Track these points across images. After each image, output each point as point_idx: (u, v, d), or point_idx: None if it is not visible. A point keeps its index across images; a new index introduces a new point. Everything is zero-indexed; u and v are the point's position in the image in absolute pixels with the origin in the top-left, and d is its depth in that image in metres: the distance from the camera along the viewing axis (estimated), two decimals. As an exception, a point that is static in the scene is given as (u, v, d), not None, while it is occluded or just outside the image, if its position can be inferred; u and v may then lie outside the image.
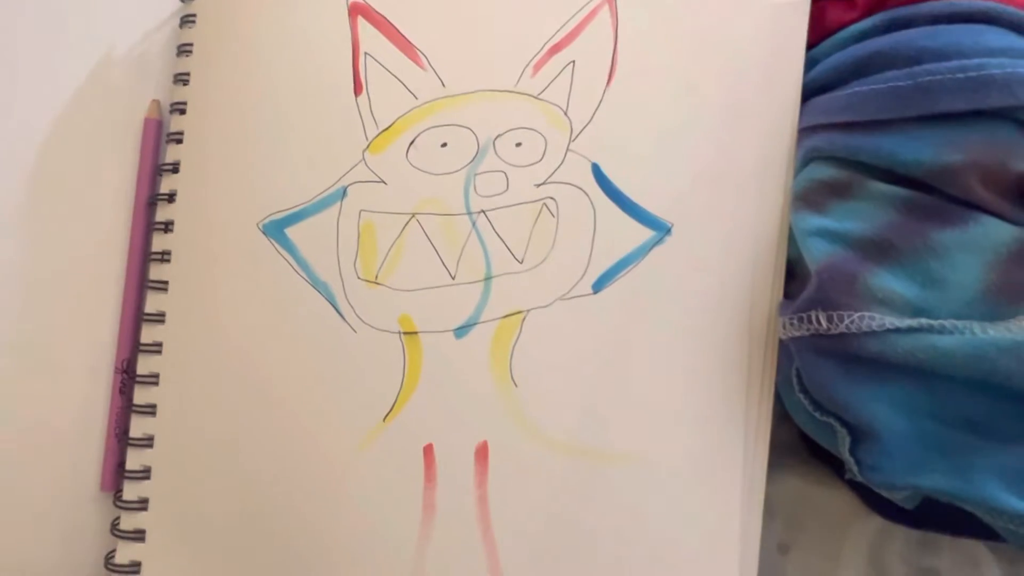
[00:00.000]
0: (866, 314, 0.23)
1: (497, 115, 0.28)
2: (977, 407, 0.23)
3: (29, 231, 0.31)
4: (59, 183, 0.31)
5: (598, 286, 0.28)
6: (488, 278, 0.28)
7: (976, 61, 0.22)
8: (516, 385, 0.27)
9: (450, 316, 0.28)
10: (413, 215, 0.28)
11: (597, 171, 0.28)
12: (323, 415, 0.27)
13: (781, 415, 0.28)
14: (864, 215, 0.24)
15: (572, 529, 0.27)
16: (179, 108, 0.30)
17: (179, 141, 0.30)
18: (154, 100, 0.31)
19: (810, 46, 0.28)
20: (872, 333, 0.23)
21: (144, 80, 0.32)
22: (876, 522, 0.28)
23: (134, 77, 0.32)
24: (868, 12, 0.26)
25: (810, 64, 0.28)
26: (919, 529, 0.27)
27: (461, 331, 0.28)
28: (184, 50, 0.30)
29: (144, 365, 0.29)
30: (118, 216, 0.31)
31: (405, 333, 0.28)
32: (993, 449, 0.22)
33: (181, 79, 0.30)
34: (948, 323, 0.22)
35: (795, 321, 0.24)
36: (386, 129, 0.28)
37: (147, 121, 0.31)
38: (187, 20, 0.30)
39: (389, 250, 0.28)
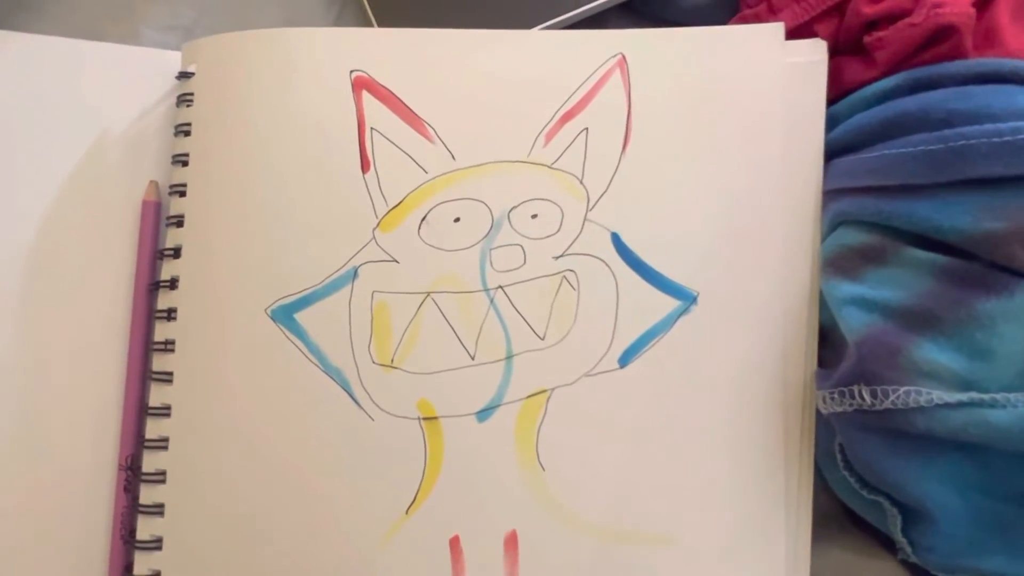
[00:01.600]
0: (912, 389, 0.22)
1: (511, 187, 0.27)
2: (1033, 482, 0.22)
3: (25, 320, 0.29)
4: (55, 269, 0.30)
5: (624, 360, 0.27)
6: (509, 357, 0.27)
7: (1011, 125, 0.21)
8: (544, 468, 0.26)
9: (471, 399, 0.27)
10: (428, 294, 0.27)
11: (617, 240, 0.27)
12: (343, 509, 0.26)
13: (821, 482, 0.27)
14: (901, 283, 0.23)
15: (610, 619, 0.26)
16: (179, 190, 0.29)
17: (180, 224, 0.29)
18: (152, 181, 0.30)
19: (829, 103, 0.27)
20: (920, 409, 0.22)
21: (141, 160, 0.30)
22: (927, 596, 0.27)
23: (130, 157, 0.30)
24: (888, 71, 0.25)
25: (830, 123, 0.27)
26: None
27: (483, 414, 0.26)
28: (182, 130, 0.29)
29: (150, 462, 0.28)
30: (118, 303, 0.30)
31: (425, 419, 0.26)
32: (1055, 528, 0.21)
33: (180, 160, 0.29)
34: (1000, 396, 0.21)
35: (836, 396, 0.23)
36: (396, 206, 0.27)
37: (145, 203, 0.30)
38: (184, 99, 0.29)
39: (404, 332, 0.27)
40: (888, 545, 0.26)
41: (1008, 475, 0.22)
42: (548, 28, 0.31)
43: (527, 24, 0.32)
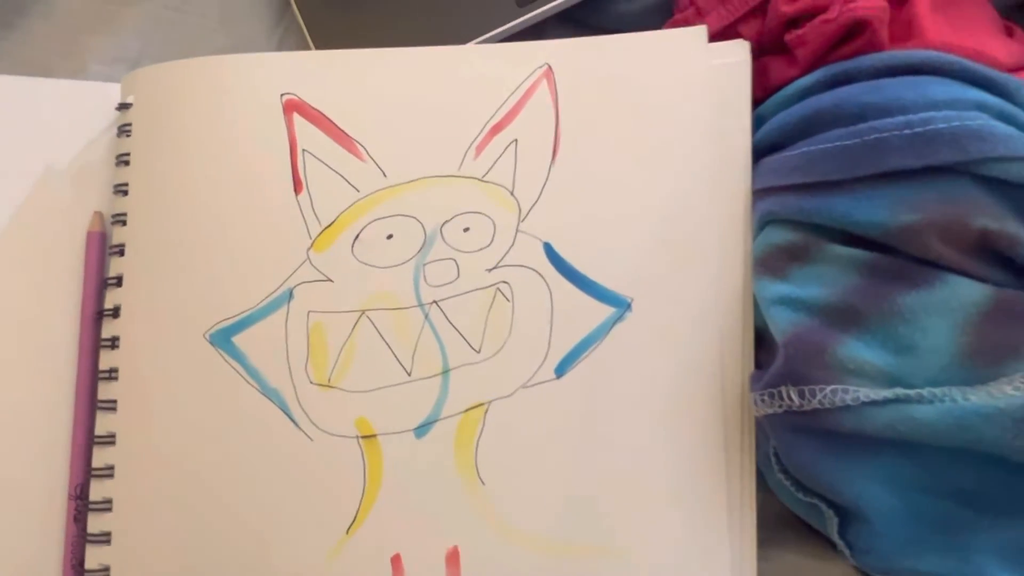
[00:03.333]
0: (839, 387, 0.22)
1: (442, 201, 0.28)
2: (968, 477, 0.21)
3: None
4: (4, 302, 0.30)
5: (561, 370, 0.26)
6: (445, 371, 0.27)
7: (921, 116, 0.21)
8: (483, 483, 0.26)
9: (409, 415, 0.26)
10: (363, 312, 0.27)
11: (549, 250, 0.27)
12: (284, 531, 0.26)
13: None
14: (826, 280, 0.23)
15: (555, 634, 0.25)
16: (120, 220, 0.29)
17: (121, 253, 0.29)
18: (96, 212, 0.31)
19: (757, 103, 0.27)
20: (847, 407, 0.21)
21: (87, 192, 0.31)
22: (880, 599, 0.26)
23: (76, 189, 0.31)
24: (810, 68, 0.25)
25: (758, 122, 0.27)
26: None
27: (421, 430, 0.26)
28: (122, 160, 0.30)
29: (97, 491, 0.28)
30: (67, 333, 0.30)
31: (363, 437, 0.26)
32: (990, 524, 0.21)
33: (121, 190, 0.29)
34: (926, 392, 0.21)
35: (766, 397, 0.23)
36: (329, 226, 0.28)
37: (90, 234, 0.30)
38: (123, 130, 0.30)
39: (341, 350, 0.27)
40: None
41: (942, 471, 0.21)
42: (485, 41, 0.32)
43: (465, 38, 0.32)
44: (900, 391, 0.21)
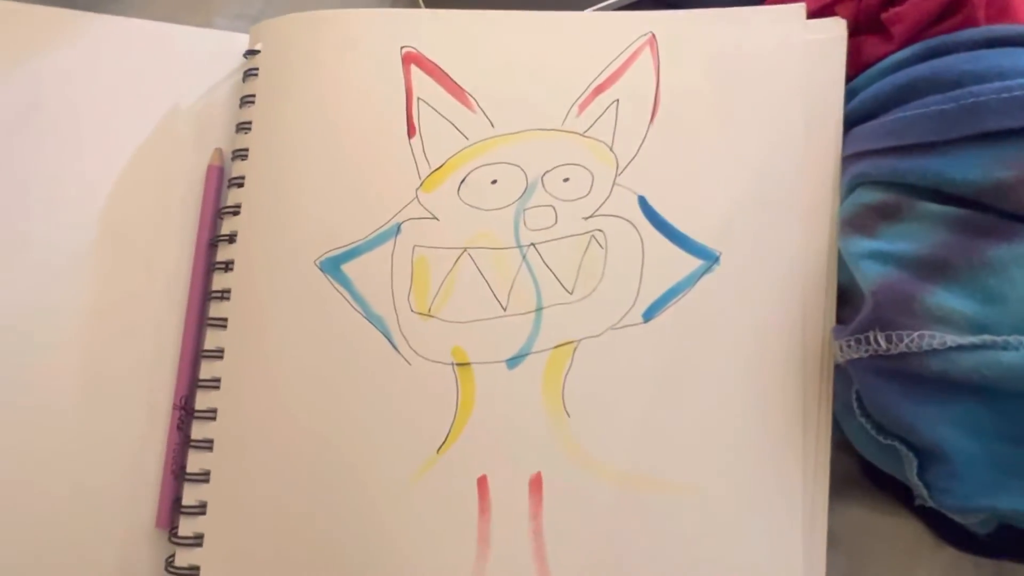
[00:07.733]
0: (926, 333, 0.23)
1: (545, 152, 0.29)
2: (1049, 426, 0.22)
3: (96, 272, 0.32)
4: (126, 227, 0.32)
5: (648, 315, 0.28)
6: (539, 309, 0.28)
7: (1019, 81, 0.23)
8: (569, 415, 0.27)
9: (502, 347, 0.28)
10: (465, 249, 0.29)
11: (643, 203, 0.29)
12: (378, 448, 0.28)
13: (840, 444, 0.27)
14: (916, 236, 0.24)
15: (628, 562, 0.26)
16: (241, 155, 0.32)
17: (240, 185, 0.31)
18: (217, 148, 0.33)
19: (848, 80, 0.29)
20: (934, 352, 0.22)
21: (208, 130, 0.33)
22: (947, 554, 0.27)
23: (199, 128, 0.34)
24: (904, 44, 0.27)
25: (849, 96, 0.28)
26: (993, 558, 0.26)
27: (513, 362, 0.28)
28: (247, 101, 0.32)
29: (202, 400, 0.30)
30: (181, 258, 0.32)
31: (458, 364, 0.28)
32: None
33: (243, 128, 0.32)
34: (1012, 339, 0.22)
35: (852, 343, 0.24)
36: (438, 168, 0.30)
37: (210, 168, 0.33)
38: (250, 73, 0.32)
39: (442, 283, 0.29)
40: (906, 500, 0.26)
41: (1022, 419, 0.22)
42: (599, 10, 0.33)
43: (578, 7, 0.33)
44: (987, 337, 0.22)
